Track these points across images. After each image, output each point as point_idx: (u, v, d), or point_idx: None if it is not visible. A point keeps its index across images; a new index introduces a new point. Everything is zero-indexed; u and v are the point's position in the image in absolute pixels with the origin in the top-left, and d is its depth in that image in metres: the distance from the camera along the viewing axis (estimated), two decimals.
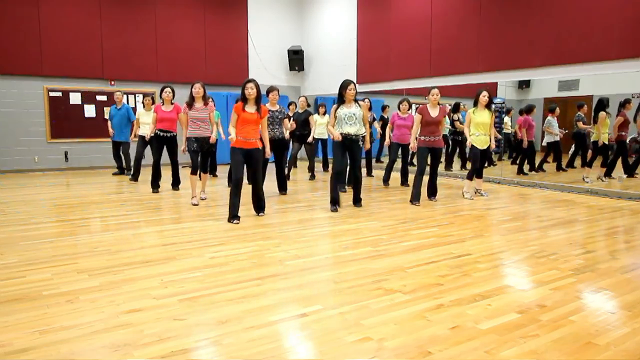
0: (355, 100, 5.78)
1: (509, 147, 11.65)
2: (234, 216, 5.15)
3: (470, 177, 6.89)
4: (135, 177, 8.28)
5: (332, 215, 5.58)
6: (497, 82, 11.29)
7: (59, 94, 10.07)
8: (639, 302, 2.96)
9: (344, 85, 5.73)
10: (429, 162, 6.54)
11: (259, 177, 5.37)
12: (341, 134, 5.67)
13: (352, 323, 2.60)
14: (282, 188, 7.09)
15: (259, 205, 5.46)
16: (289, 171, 8.72)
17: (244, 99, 5.16)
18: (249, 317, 2.67)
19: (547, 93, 12.61)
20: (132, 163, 9.21)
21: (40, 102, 9.92)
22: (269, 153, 5.47)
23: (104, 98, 10.40)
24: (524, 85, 13.34)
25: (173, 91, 7.06)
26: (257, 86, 5.17)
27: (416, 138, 6.40)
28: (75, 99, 10.21)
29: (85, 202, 6.46)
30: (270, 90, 6.76)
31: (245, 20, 12.14)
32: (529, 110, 9.29)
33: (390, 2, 10.49)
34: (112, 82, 10.56)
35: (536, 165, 9.49)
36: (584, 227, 5.18)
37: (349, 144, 5.75)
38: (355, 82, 5.85)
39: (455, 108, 10.04)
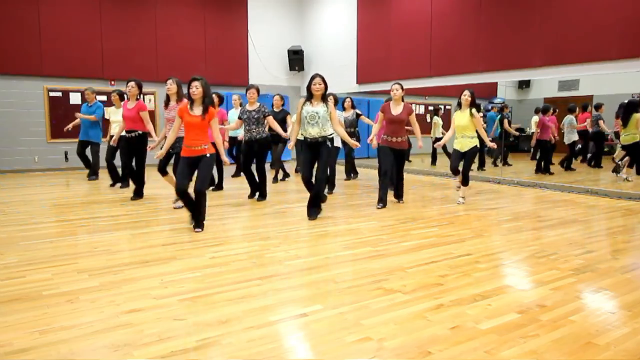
0: (324, 98, 5.13)
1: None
2: (195, 225, 4.72)
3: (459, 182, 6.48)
4: (114, 182, 7.65)
5: (332, 216, 5.58)
6: (497, 82, 11.30)
7: (59, 94, 10.08)
8: (639, 302, 2.96)
9: (310, 79, 5.10)
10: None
11: (203, 187, 4.69)
12: (303, 135, 5.17)
13: (352, 323, 2.60)
14: (261, 194, 6.54)
15: (199, 218, 4.76)
16: (276, 174, 8.42)
17: (189, 99, 4.70)
18: (249, 317, 2.67)
19: (547, 93, 12.64)
20: (98, 166, 8.56)
21: (40, 102, 9.93)
22: (225, 160, 4.92)
23: (104, 98, 10.38)
24: (524, 85, 13.36)
25: (139, 85, 6.40)
26: (204, 85, 4.62)
27: (379, 136, 6.00)
28: (75, 99, 10.20)
29: (85, 202, 6.46)
30: (247, 88, 6.34)
31: (245, 20, 12.14)
32: (544, 110, 9.36)
33: (391, 2, 10.49)
34: (112, 82, 10.56)
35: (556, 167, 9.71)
36: (584, 227, 5.17)
37: (312, 147, 5.14)
38: (322, 76, 5.13)
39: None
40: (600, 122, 9.45)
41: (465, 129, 6.14)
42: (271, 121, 6.36)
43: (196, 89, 4.58)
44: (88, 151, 8.55)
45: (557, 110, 9.83)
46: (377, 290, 3.12)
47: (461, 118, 6.16)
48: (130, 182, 6.98)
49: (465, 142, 6.21)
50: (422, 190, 7.79)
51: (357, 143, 5.44)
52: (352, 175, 9.03)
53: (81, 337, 2.41)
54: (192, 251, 4.03)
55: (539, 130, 9.34)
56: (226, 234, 4.66)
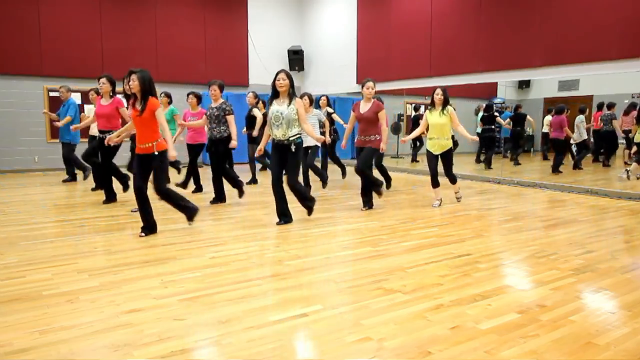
0: (290, 96, 4.81)
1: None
2: (144, 227, 4.55)
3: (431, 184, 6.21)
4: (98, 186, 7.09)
5: (332, 216, 5.58)
6: (497, 82, 11.32)
7: (59, 94, 10.06)
8: (639, 302, 2.96)
9: (275, 75, 4.80)
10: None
11: (161, 186, 4.52)
12: (271, 136, 4.94)
13: (352, 323, 2.60)
14: (220, 198, 6.30)
15: (186, 214, 4.69)
16: (253, 176, 8.07)
17: (132, 95, 4.41)
18: (249, 317, 2.67)
19: (547, 93, 12.66)
20: (78, 161, 8.11)
21: (40, 102, 9.92)
22: (173, 155, 4.48)
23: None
24: (524, 85, 13.38)
25: (110, 81, 5.93)
26: (141, 78, 4.27)
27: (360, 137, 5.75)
28: (75, 99, 10.18)
29: (85, 202, 6.45)
30: (209, 85, 6.02)
31: (245, 20, 12.14)
32: (561, 110, 9.44)
33: (390, 2, 10.49)
34: None
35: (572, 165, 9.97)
36: (584, 227, 5.17)
37: (279, 149, 4.88)
38: (287, 72, 4.86)
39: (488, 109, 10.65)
40: (614, 121, 9.60)
41: (442, 130, 5.82)
42: (230, 121, 6.01)
43: (132, 82, 4.29)
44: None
45: (569, 110, 9.89)
46: (377, 290, 3.12)
47: (437, 117, 5.85)
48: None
49: (439, 144, 5.90)
50: (422, 190, 7.79)
51: (321, 137, 5.30)
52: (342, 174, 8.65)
53: (81, 337, 2.41)
54: (192, 251, 4.03)
55: (553, 129, 9.51)
56: (226, 234, 4.66)
